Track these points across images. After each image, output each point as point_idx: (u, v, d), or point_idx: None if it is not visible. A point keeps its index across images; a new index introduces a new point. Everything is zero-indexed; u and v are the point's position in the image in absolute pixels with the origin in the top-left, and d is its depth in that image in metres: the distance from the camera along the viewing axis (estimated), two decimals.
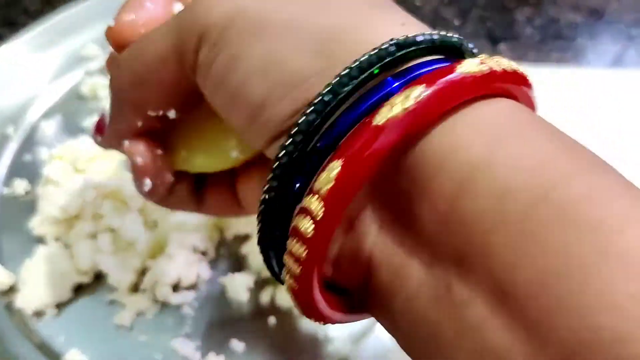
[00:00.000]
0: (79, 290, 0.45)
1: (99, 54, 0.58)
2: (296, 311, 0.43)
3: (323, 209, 0.19)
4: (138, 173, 0.31)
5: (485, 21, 0.63)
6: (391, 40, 0.20)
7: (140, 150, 0.30)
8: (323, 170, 0.19)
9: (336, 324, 0.24)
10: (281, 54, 0.22)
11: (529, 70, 0.22)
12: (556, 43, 0.61)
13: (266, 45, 0.23)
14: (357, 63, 0.20)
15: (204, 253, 0.46)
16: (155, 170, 0.31)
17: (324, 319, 0.22)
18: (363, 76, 0.20)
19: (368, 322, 0.43)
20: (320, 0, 0.24)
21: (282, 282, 0.22)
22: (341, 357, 0.42)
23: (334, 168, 0.19)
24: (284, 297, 0.44)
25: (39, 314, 0.44)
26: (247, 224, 0.47)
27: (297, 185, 0.21)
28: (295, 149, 0.21)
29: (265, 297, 0.44)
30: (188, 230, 0.45)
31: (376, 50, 0.20)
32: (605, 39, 0.62)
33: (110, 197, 0.47)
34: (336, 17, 0.23)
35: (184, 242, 0.45)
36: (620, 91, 0.57)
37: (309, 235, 0.19)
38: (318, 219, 0.19)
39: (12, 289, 0.44)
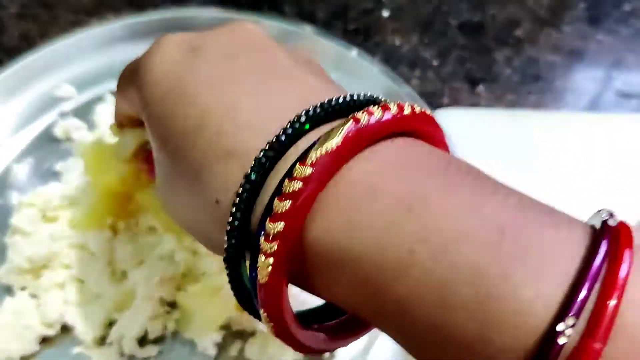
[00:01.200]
0: (45, 342, 0.44)
1: (74, 95, 0.58)
2: None
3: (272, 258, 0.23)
4: None
5: (465, 62, 0.62)
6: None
7: None
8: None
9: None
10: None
11: (506, 114, 0.26)
12: (535, 84, 0.61)
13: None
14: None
15: (171, 305, 0.45)
16: None
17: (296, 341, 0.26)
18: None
19: None
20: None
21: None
22: None
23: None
24: (252, 350, 0.43)
25: None
26: (220, 275, 0.46)
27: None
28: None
29: (233, 351, 0.44)
30: (156, 281, 0.44)
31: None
32: (584, 81, 0.62)
33: (79, 248, 0.46)
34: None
35: (152, 294, 0.44)
36: (598, 134, 0.56)
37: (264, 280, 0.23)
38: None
39: None
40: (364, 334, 0.29)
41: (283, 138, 0.23)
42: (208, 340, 0.44)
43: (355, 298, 0.23)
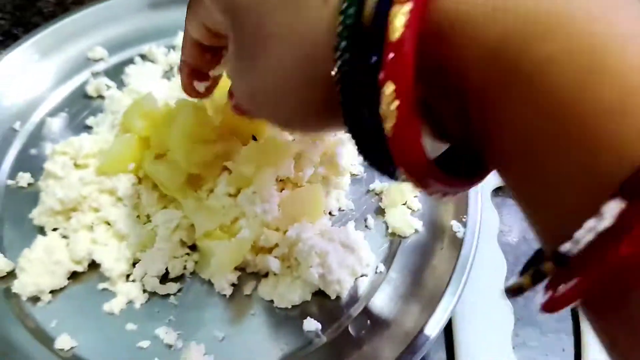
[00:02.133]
0: (73, 277, 0.48)
1: (105, 56, 0.62)
2: (276, 302, 0.45)
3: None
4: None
5: None
6: None
7: None
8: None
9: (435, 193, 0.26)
10: None
11: None
12: None
13: None
14: None
15: (192, 247, 0.49)
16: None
17: (425, 173, 0.24)
18: None
19: (342, 319, 0.46)
20: None
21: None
22: (317, 347, 0.45)
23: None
24: (265, 290, 0.47)
25: (34, 299, 0.46)
26: (235, 224, 0.49)
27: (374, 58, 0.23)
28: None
29: (247, 290, 0.47)
30: (175, 225, 0.48)
31: None
32: None
33: (107, 193, 0.50)
34: None
35: (173, 236, 0.47)
36: None
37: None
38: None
39: (10, 275, 0.47)
40: (475, 184, 0.28)
41: None
42: (224, 280, 0.47)
43: (487, 59, 0.21)
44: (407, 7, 0.21)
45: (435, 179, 0.25)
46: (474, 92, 0.22)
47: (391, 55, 0.21)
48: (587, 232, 0.18)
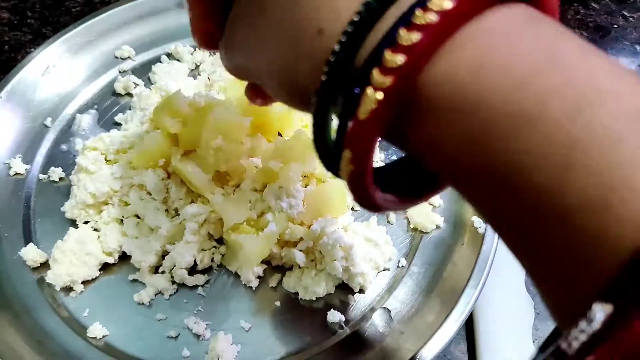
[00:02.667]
0: (105, 269, 0.49)
1: (132, 55, 0.63)
2: (300, 294, 0.47)
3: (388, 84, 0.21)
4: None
5: None
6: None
7: None
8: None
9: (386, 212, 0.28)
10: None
11: None
12: None
13: None
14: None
15: (219, 240, 0.50)
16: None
17: (373, 200, 0.25)
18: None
19: (365, 311, 0.47)
20: None
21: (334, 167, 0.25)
22: (340, 339, 0.46)
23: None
24: (289, 282, 0.48)
25: (67, 289, 0.48)
26: (261, 218, 0.50)
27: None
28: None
29: (272, 282, 0.48)
30: (203, 219, 0.49)
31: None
32: (610, 56, 0.65)
33: (137, 187, 0.51)
34: None
35: (201, 230, 0.49)
36: None
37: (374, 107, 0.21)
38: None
39: (43, 266, 0.49)
40: (428, 198, 0.29)
41: None
42: (250, 272, 0.48)
43: (461, 150, 0.21)
44: (379, 95, 0.21)
45: (387, 207, 0.26)
46: (444, 172, 0.23)
47: (354, 128, 0.22)
48: (579, 332, 0.18)
